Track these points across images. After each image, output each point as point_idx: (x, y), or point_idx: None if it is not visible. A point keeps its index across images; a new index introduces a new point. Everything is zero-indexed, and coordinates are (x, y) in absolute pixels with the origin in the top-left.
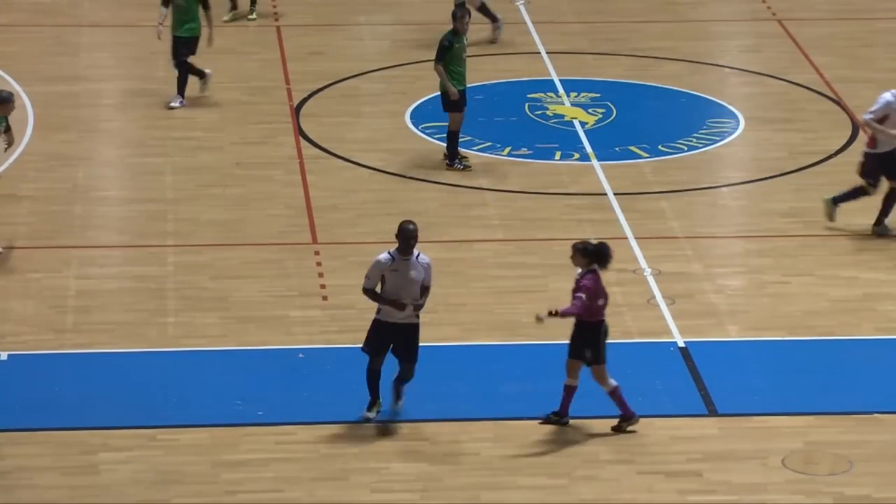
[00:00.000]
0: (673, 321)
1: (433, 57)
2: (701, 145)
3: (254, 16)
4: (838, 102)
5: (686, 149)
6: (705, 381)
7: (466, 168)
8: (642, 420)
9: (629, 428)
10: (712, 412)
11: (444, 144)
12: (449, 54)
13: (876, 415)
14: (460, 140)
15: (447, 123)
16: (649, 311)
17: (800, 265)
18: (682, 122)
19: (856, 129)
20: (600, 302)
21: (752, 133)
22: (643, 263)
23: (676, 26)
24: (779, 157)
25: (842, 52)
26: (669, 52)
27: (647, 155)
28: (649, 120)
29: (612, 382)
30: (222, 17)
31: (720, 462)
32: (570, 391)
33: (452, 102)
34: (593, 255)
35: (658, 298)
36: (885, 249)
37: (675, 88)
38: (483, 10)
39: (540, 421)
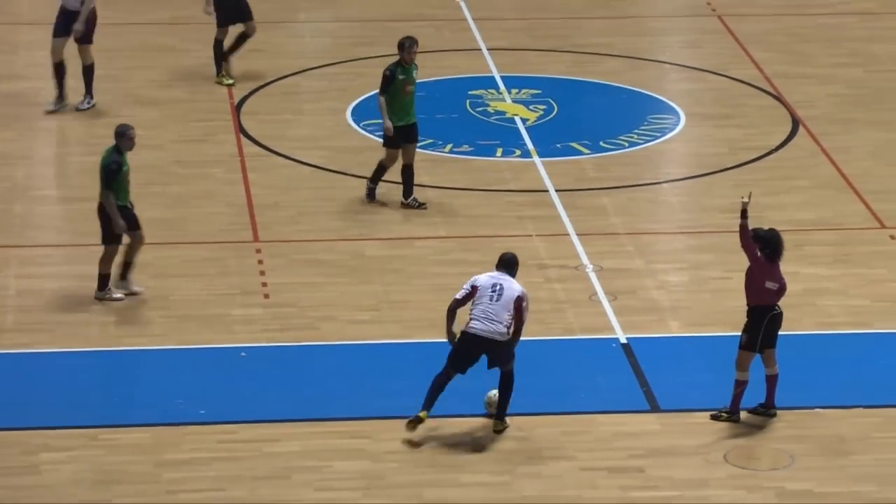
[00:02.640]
0: (615, 317)
1: (374, 54)
2: (642, 141)
3: (230, 80)
4: (778, 98)
5: (627, 145)
6: (647, 377)
7: (370, 198)
8: (584, 416)
9: (730, 418)
10: (654, 408)
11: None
12: (392, 86)
13: (817, 409)
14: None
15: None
16: (591, 307)
17: (741, 260)
18: (622, 119)
19: (795, 124)
20: (768, 285)
21: (692, 129)
22: (585, 260)
23: (616, 22)
24: (719, 153)
25: (781, 48)
26: (610, 49)
27: (588, 151)
28: (590, 116)
29: (741, 375)
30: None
31: (662, 458)
32: (738, 384)
33: (387, 138)
34: (761, 241)
35: (600, 295)
36: (826, 245)
37: (616, 84)
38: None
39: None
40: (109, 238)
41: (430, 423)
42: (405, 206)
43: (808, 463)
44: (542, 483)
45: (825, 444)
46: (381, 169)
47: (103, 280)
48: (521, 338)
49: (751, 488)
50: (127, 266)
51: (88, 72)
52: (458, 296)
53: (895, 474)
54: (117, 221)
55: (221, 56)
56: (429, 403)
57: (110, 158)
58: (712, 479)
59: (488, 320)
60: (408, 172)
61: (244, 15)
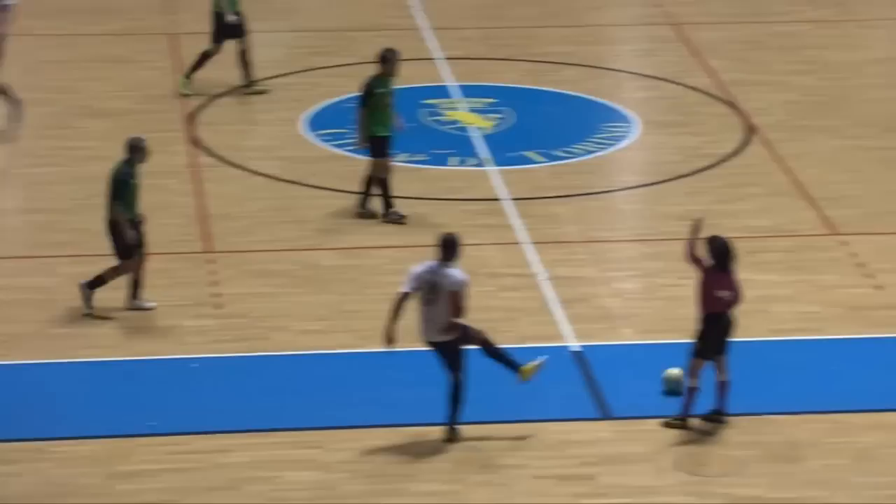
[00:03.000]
0: (568, 325)
1: (330, 63)
2: (597, 150)
3: (188, 91)
4: (733, 105)
5: (582, 153)
6: (600, 384)
7: (392, 216)
8: (536, 424)
9: (682, 425)
10: (607, 415)
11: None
12: (372, 99)
13: (768, 416)
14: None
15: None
16: (545, 315)
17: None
18: (578, 127)
19: (750, 131)
20: (719, 294)
21: (647, 137)
22: (539, 268)
23: (573, 31)
24: (674, 161)
25: (736, 56)
26: (566, 57)
27: (543, 160)
28: (546, 125)
29: (693, 382)
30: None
31: (614, 465)
32: (689, 391)
33: (372, 148)
34: (710, 250)
35: (554, 303)
36: (779, 251)
37: (572, 93)
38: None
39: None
40: (124, 253)
41: (380, 433)
42: (361, 214)
43: (759, 469)
44: (493, 491)
45: (776, 450)
46: (380, 183)
47: (98, 280)
48: (476, 346)
49: (701, 494)
50: (136, 285)
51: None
52: (402, 289)
53: (845, 480)
54: (127, 232)
55: (199, 66)
56: (510, 363)
57: (122, 170)
58: (663, 487)
59: (428, 322)
60: (377, 183)
61: (241, 32)
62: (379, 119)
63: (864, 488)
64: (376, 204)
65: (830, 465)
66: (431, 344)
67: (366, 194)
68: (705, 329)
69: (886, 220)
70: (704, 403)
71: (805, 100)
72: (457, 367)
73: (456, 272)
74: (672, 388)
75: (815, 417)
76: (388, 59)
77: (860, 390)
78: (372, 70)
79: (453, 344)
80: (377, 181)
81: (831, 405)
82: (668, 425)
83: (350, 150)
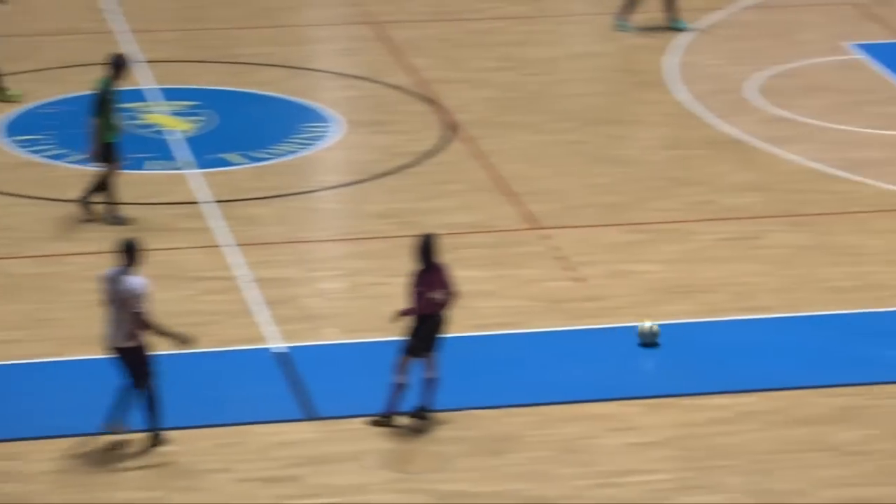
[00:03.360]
0: (273, 326)
1: (21, 69)
2: (298, 150)
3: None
4: (433, 103)
5: (283, 154)
6: (306, 384)
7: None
8: (241, 427)
9: (388, 423)
10: (312, 416)
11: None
12: (105, 107)
13: (473, 410)
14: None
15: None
16: (248, 317)
17: (397, 266)
18: (279, 128)
19: (451, 128)
20: (431, 295)
21: (349, 136)
22: (242, 270)
23: (274, 31)
24: (376, 160)
25: (435, 54)
26: (267, 58)
27: (245, 161)
28: (247, 126)
29: (401, 378)
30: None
31: (320, 465)
32: (397, 388)
33: (103, 155)
34: (414, 248)
35: (257, 304)
36: (481, 247)
37: (273, 94)
38: None
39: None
40: None
41: (82, 442)
42: (88, 220)
43: (464, 464)
44: (197, 496)
45: (481, 444)
46: (107, 186)
47: None
48: (187, 349)
49: (407, 491)
50: None
51: None
52: (102, 296)
53: (547, 472)
54: None
55: None
56: (125, 409)
57: None
58: (370, 485)
59: (109, 325)
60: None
61: None
62: (108, 125)
63: (568, 479)
64: (99, 209)
65: (535, 457)
66: (115, 350)
67: (86, 201)
68: (414, 326)
69: (586, 213)
70: (411, 400)
71: (504, 96)
72: (143, 375)
73: (133, 279)
74: (647, 341)
75: (518, 411)
76: (119, 65)
77: (561, 382)
78: (83, 74)
79: (136, 351)
80: (103, 185)
81: (534, 398)
82: (374, 423)
83: (46, 157)
